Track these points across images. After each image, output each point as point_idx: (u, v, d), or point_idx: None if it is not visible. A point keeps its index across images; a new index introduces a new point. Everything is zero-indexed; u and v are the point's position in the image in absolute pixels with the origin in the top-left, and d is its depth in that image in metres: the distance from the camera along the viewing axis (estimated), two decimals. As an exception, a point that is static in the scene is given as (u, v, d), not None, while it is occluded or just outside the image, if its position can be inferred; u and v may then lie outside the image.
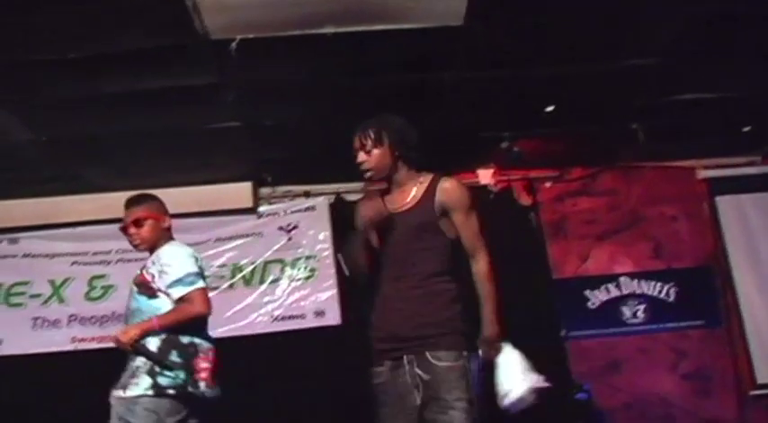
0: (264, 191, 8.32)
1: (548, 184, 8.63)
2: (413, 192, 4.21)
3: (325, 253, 7.87)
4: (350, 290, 7.73)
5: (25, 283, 7.99)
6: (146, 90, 6.14)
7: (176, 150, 7.31)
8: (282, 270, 8.02)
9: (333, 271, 7.83)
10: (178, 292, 4.54)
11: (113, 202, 8.06)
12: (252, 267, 8.05)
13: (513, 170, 8.43)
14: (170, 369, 4.43)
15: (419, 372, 4.04)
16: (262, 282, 8.02)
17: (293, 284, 7.96)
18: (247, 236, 8.15)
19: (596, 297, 8.29)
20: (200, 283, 4.61)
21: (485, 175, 8.40)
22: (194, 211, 8.01)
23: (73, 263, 8.14)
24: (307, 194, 8.26)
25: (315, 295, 7.90)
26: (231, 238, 8.15)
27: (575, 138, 7.81)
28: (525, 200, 8.54)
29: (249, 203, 8.14)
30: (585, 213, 8.61)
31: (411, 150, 4.23)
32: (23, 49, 5.38)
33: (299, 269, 8.00)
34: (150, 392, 4.39)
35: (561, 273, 8.45)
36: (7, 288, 8.00)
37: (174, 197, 7.88)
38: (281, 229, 8.13)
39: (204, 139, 7.12)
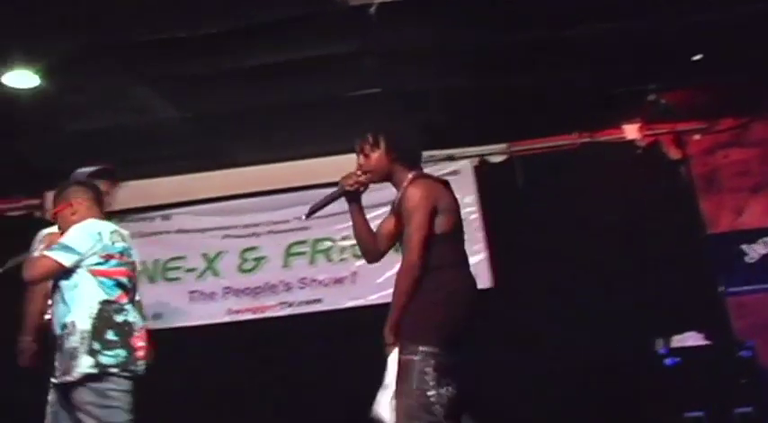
0: (407, 157, 8.27)
1: (697, 137, 8.35)
2: (398, 196, 4.35)
3: (473, 217, 7.79)
4: (501, 253, 7.68)
5: (180, 258, 8.20)
6: (286, 61, 6.20)
7: (318, 120, 7.35)
8: (431, 235, 7.97)
9: (481, 234, 7.78)
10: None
11: (259, 174, 8.26)
12: (401, 234, 8.03)
13: (660, 123, 8.22)
14: (109, 348, 4.48)
15: None
16: (410, 248, 7.99)
17: (442, 249, 7.93)
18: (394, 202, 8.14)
19: (754, 251, 7.98)
20: (55, 254, 4.55)
21: (631, 131, 8.21)
22: (339, 180, 8.05)
23: (224, 236, 8.32)
24: (450, 158, 8.20)
25: (464, 260, 7.83)
26: (377, 206, 8.07)
27: (724, 87, 7.51)
28: (674, 153, 8.31)
29: (393, 170, 8.10)
30: (738, 165, 8.29)
31: (407, 152, 4.37)
32: (166, 26, 5.46)
33: (447, 234, 7.94)
34: (95, 371, 4.43)
35: (715, 227, 8.17)
36: (164, 263, 8.23)
37: (317, 167, 8.05)
38: (426, 194, 8.09)
39: (346, 108, 7.12)
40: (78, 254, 4.54)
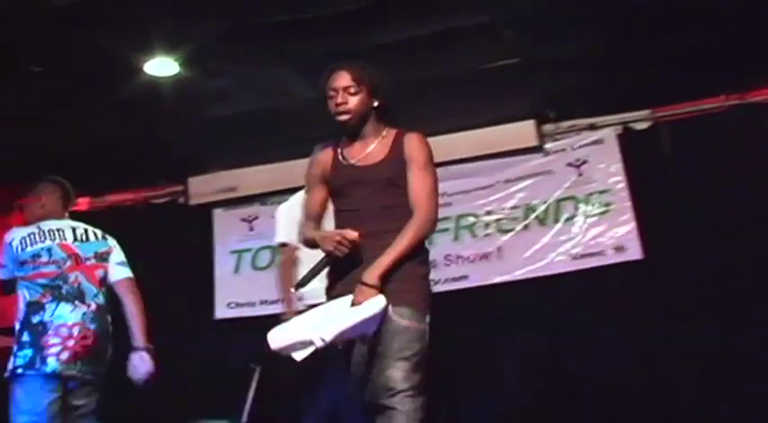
0: (548, 127, 8.10)
1: None
2: (373, 145, 4.06)
3: (619, 186, 7.59)
4: (650, 223, 7.45)
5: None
6: (421, 36, 6.17)
7: (455, 94, 7.29)
8: (576, 207, 7.78)
9: (629, 204, 7.55)
10: None
11: (399, 152, 8.20)
12: (544, 206, 7.87)
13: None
14: (21, 349, 4.60)
15: None
16: (556, 220, 7.83)
17: (589, 221, 7.72)
18: (536, 175, 7.99)
19: None
20: None
21: (785, 91, 7.85)
22: (479, 154, 7.99)
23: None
24: (593, 127, 7.99)
25: (613, 230, 7.59)
26: (520, 179, 8.04)
27: None
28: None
29: (534, 142, 7.97)
30: None
31: (387, 105, 4.12)
32: (303, 5, 5.48)
33: (593, 205, 7.75)
34: (8, 374, 4.58)
35: None
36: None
37: (457, 141, 7.98)
38: (569, 165, 7.90)
39: (482, 80, 7.07)
40: (4, 266, 4.86)
